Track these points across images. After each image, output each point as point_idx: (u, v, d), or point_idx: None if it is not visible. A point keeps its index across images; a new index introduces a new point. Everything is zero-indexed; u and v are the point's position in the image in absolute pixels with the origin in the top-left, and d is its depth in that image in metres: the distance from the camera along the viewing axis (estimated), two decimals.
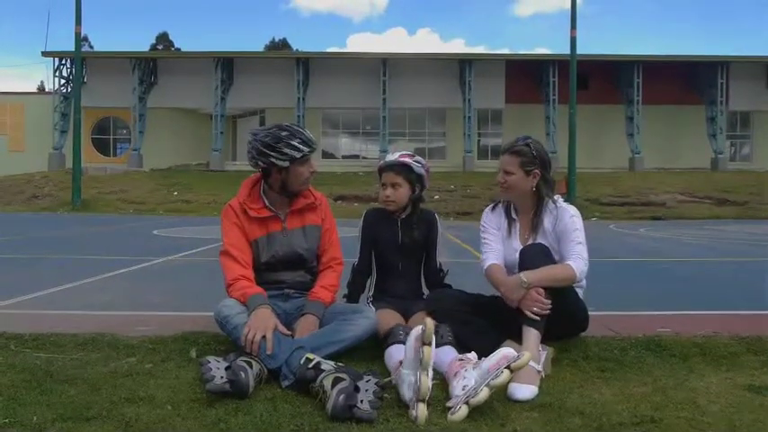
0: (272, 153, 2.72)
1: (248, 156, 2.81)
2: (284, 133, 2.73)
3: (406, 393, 2.07)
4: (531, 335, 2.44)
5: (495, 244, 2.85)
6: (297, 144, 2.73)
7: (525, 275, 2.52)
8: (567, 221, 2.73)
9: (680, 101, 32.94)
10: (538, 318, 2.47)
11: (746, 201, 24.06)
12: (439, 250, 3.12)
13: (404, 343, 2.40)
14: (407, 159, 2.98)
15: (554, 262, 2.62)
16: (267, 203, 2.86)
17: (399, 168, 2.97)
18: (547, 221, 2.78)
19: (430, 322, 2.10)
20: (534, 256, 2.61)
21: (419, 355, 2.06)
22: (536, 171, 2.76)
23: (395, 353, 2.40)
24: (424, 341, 2.07)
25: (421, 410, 1.93)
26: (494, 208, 2.97)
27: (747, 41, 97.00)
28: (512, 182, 2.78)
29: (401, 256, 3.05)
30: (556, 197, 2.83)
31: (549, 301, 2.48)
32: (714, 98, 32.15)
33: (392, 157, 3.00)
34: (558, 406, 2.07)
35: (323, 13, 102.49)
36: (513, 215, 2.88)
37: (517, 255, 2.72)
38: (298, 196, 2.89)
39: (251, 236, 2.83)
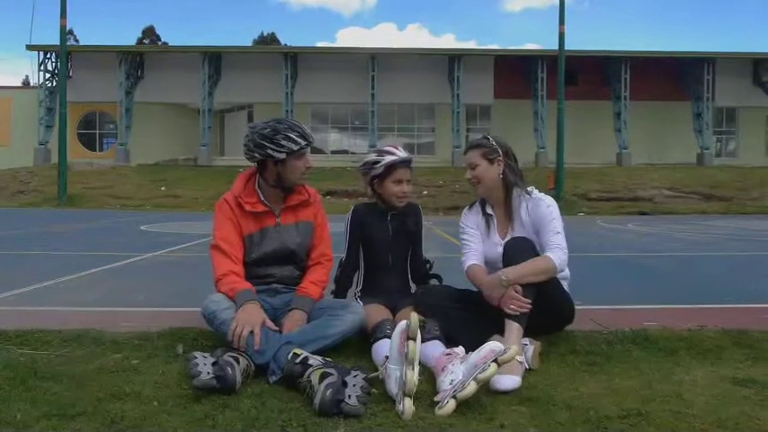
0: (269, 145, 2.72)
1: (245, 149, 2.80)
2: (282, 126, 2.74)
3: (393, 388, 2.07)
4: (513, 328, 2.45)
5: (475, 244, 2.87)
6: (294, 137, 2.73)
7: (504, 273, 2.53)
8: (544, 211, 2.74)
9: (667, 97, 33.18)
10: (514, 313, 2.48)
11: (732, 196, 24.32)
12: (423, 244, 3.14)
13: (389, 337, 2.41)
14: (411, 155, 3.01)
15: (538, 254, 2.63)
16: (262, 198, 2.85)
17: (410, 165, 3.00)
18: (522, 211, 2.80)
19: (415, 317, 2.10)
20: (518, 250, 2.61)
21: (404, 350, 2.06)
22: (499, 159, 2.82)
23: (382, 348, 2.41)
24: (408, 336, 2.07)
25: (407, 405, 1.93)
26: (471, 207, 3.00)
27: (733, 38, 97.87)
28: (479, 173, 2.83)
29: (391, 250, 3.05)
30: (530, 188, 2.85)
31: (529, 300, 2.49)
32: (700, 94, 32.41)
33: (401, 153, 2.97)
34: (546, 400, 2.08)
35: (313, 8, 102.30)
36: (489, 211, 2.90)
37: (498, 249, 2.73)
38: (292, 192, 2.89)
39: (245, 230, 2.82)
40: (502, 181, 2.83)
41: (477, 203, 2.97)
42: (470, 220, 2.94)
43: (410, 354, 2.02)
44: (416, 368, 2.02)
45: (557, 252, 2.62)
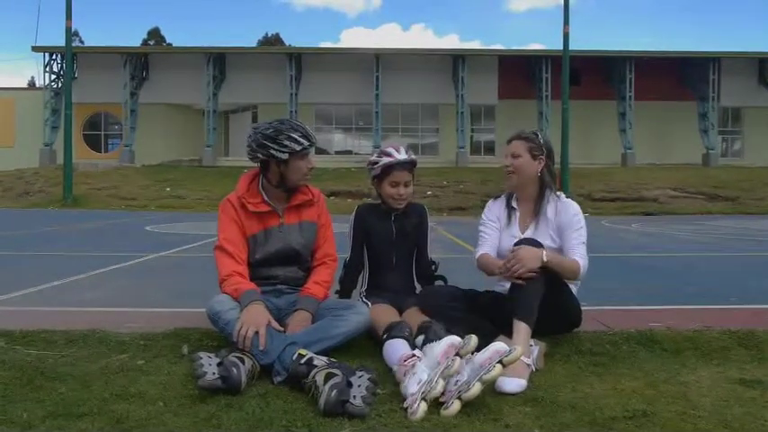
0: (272, 145, 2.72)
1: (248, 149, 2.81)
2: (285, 126, 2.75)
3: (412, 387, 2.06)
4: (522, 328, 2.44)
5: (491, 237, 2.91)
6: (297, 137, 2.73)
7: (546, 253, 2.54)
8: (572, 218, 2.78)
9: (672, 97, 33.06)
10: (521, 282, 2.47)
11: (737, 196, 24.20)
12: (429, 245, 3.13)
13: (407, 339, 2.41)
14: (414, 156, 2.99)
15: None
16: (266, 198, 2.85)
17: (411, 166, 2.97)
18: (549, 210, 2.83)
19: (475, 339, 2.12)
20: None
21: (447, 363, 2.06)
22: (542, 157, 2.84)
23: (395, 347, 2.40)
24: (458, 353, 2.07)
25: (422, 408, 1.94)
26: (496, 199, 3.03)
27: (739, 37, 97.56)
28: (518, 165, 2.84)
29: (395, 250, 3.05)
30: (559, 193, 2.89)
31: (537, 272, 2.49)
32: (706, 94, 32.27)
33: (400, 155, 2.94)
34: (551, 400, 2.08)
35: (317, 8, 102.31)
36: (514, 205, 2.93)
37: (515, 240, 2.74)
38: (296, 192, 2.89)
39: (249, 231, 2.83)
40: (538, 179, 2.86)
41: (503, 196, 3.00)
42: (493, 212, 2.98)
43: (453, 369, 2.03)
44: (446, 382, 2.03)
45: (583, 261, 2.68)
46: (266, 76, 32.72)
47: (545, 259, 2.51)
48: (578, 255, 2.69)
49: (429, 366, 2.11)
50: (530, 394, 2.15)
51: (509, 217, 2.92)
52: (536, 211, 2.86)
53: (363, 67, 32.45)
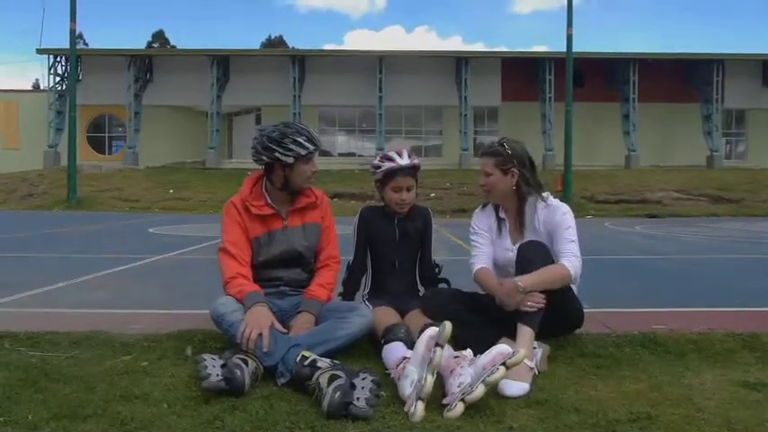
0: (277, 148, 2.72)
1: (252, 151, 2.81)
2: (290, 130, 2.75)
3: (407, 389, 2.07)
4: (526, 332, 2.44)
5: (485, 247, 2.86)
6: (302, 141, 2.74)
7: (522, 281, 2.50)
8: (560, 218, 2.73)
9: (676, 99, 32.99)
10: (533, 310, 2.47)
11: (741, 198, 24.15)
12: (433, 247, 3.13)
13: (403, 341, 2.41)
14: (417, 161, 2.96)
15: (553, 259, 2.63)
16: (269, 201, 2.86)
17: (414, 171, 2.95)
18: (535, 220, 2.77)
19: (449, 325, 2.10)
20: (533, 254, 2.60)
21: (430, 355, 2.06)
22: (513, 170, 2.76)
23: (393, 350, 2.41)
24: (437, 343, 2.07)
25: (420, 408, 1.94)
26: (483, 207, 2.97)
27: (743, 39, 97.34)
28: (491, 183, 2.80)
29: (398, 253, 3.05)
30: (546, 194, 2.82)
31: (543, 296, 2.49)
32: (710, 96, 32.22)
33: (403, 160, 2.90)
34: (554, 403, 2.08)
35: (320, 10, 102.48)
36: (502, 214, 2.88)
37: (510, 253, 2.73)
38: (299, 194, 2.89)
39: (252, 233, 2.83)
40: (515, 192, 2.79)
41: (490, 204, 2.95)
42: (482, 222, 2.92)
43: (436, 360, 2.03)
44: (435, 375, 2.02)
45: (571, 260, 2.61)
46: (270, 79, 32.79)
47: (521, 287, 2.48)
48: (568, 255, 2.62)
49: (417, 365, 2.11)
50: (533, 397, 2.14)
51: (499, 228, 2.87)
52: (520, 225, 2.81)
53: (367, 69, 32.48)
